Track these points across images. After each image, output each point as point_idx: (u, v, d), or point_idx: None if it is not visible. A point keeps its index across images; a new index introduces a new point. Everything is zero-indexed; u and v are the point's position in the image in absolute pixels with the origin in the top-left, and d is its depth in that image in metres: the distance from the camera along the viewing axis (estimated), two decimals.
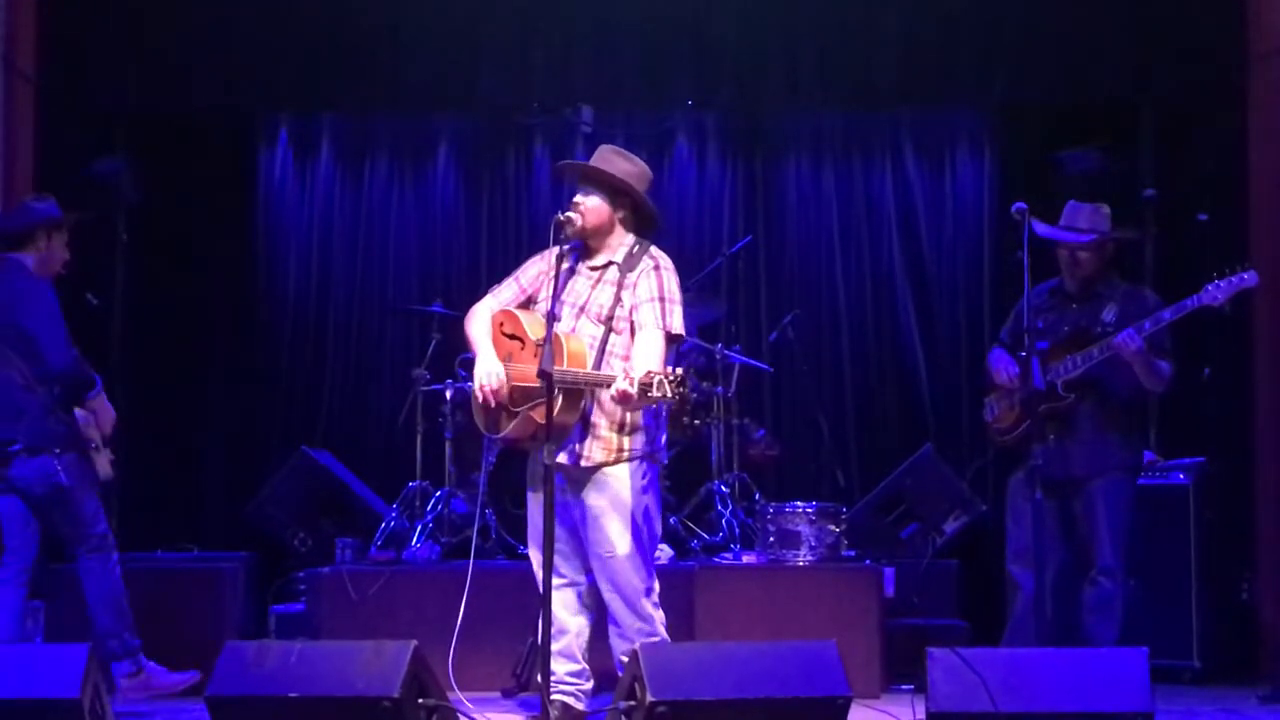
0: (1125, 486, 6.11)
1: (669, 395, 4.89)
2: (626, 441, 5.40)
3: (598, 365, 5.33)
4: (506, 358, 5.42)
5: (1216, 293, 5.86)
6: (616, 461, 5.39)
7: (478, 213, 9.32)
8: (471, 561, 5.97)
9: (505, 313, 5.55)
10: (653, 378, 4.91)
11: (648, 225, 5.65)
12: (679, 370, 4.93)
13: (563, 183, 6.07)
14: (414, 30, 8.02)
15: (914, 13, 7.94)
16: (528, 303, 5.60)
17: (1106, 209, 6.24)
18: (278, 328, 9.20)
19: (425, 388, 7.77)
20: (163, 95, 8.03)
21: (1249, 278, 5.86)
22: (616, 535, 5.36)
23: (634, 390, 4.95)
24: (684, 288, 5.59)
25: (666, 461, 7.20)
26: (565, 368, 5.17)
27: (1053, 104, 8.30)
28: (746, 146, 9.31)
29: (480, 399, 5.38)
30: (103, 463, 6.23)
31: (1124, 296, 6.20)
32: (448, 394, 7.58)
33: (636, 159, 5.63)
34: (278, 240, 9.30)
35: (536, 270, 5.63)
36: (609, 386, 5.10)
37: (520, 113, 8.74)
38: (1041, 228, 6.07)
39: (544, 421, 5.16)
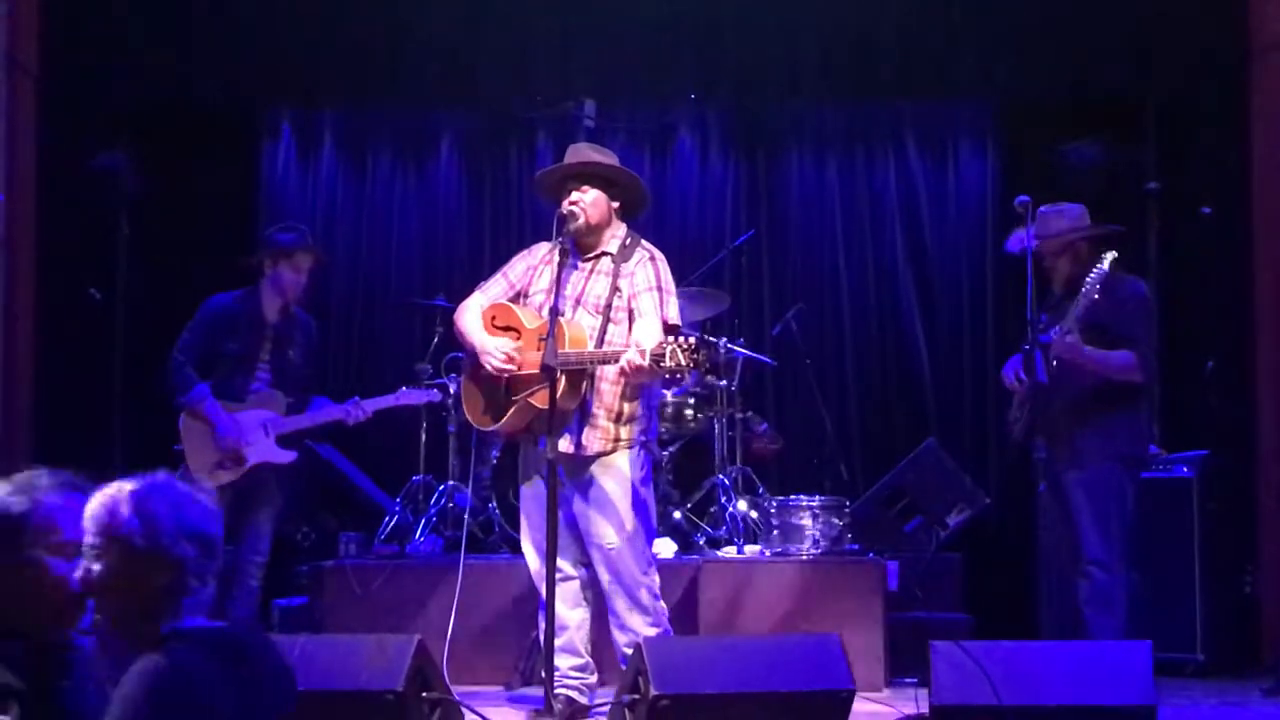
0: (1107, 475, 6.00)
1: (683, 362, 4.88)
2: (624, 431, 5.43)
3: None
4: None
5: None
6: (614, 450, 5.41)
7: (480, 207, 9.31)
8: (463, 557, 5.99)
9: (496, 306, 5.57)
10: (665, 347, 4.91)
11: (638, 209, 5.69)
12: (691, 339, 4.93)
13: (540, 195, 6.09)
14: (416, 24, 8.03)
15: (917, 6, 7.94)
16: (517, 298, 5.62)
17: (1074, 209, 6.21)
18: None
19: (429, 382, 7.77)
20: (165, 89, 8.04)
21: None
22: (615, 525, 5.38)
23: (644, 362, 4.96)
24: (687, 282, 5.62)
25: (664, 456, 7.25)
26: (568, 350, 5.18)
27: (1056, 96, 8.29)
28: (749, 140, 9.29)
29: (493, 370, 5.38)
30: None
31: (1103, 290, 6.17)
32: (451, 388, 7.58)
33: (606, 150, 5.71)
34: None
35: (524, 265, 5.66)
36: (615, 362, 5.12)
37: (522, 107, 8.73)
38: (1012, 241, 6.11)
39: (542, 408, 5.17)
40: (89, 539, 2.93)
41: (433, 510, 7.52)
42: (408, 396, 6.84)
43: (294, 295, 6.76)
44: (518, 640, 6.50)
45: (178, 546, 2.91)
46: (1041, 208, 6.18)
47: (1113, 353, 5.98)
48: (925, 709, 5.17)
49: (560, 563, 5.38)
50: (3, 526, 3.06)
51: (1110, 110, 8.37)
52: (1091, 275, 5.86)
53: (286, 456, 6.63)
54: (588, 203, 5.48)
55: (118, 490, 2.96)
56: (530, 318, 5.47)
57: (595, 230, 5.51)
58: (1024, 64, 7.95)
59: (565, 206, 5.46)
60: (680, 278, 5.72)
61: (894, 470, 8.05)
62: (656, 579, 5.52)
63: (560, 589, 5.38)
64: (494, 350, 5.40)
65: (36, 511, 3.07)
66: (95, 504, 2.96)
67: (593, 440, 5.38)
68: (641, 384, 5.39)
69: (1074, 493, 6.01)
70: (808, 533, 6.81)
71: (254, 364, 6.67)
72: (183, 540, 2.92)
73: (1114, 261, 6.09)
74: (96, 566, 2.92)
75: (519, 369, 5.37)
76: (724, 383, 7.71)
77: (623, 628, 5.45)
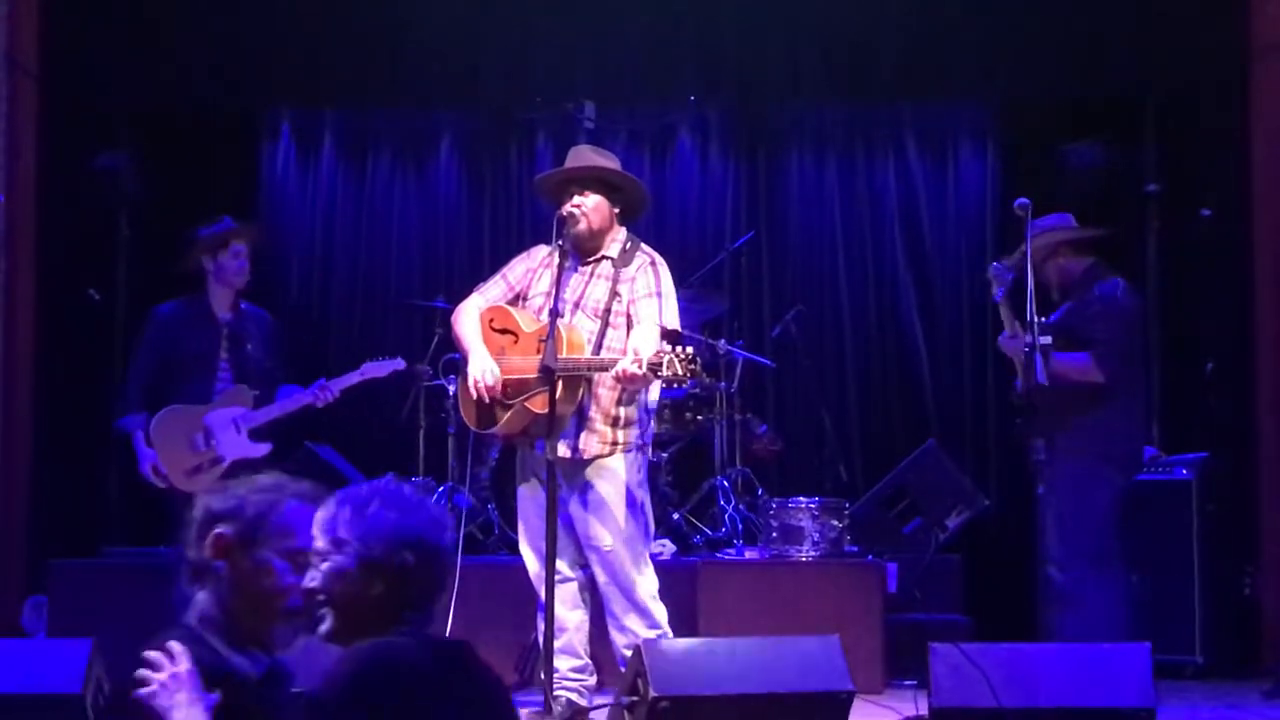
0: (1073, 472, 6.01)
1: (680, 373, 4.89)
2: (621, 435, 5.42)
3: None
4: (499, 352, 5.44)
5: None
6: (611, 454, 5.41)
7: (480, 208, 9.31)
8: (460, 559, 5.98)
9: (495, 308, 5.57)
10: (662, 356, 4.92)
11: (638, 212, 5.70)
12: (689, 349, 4.94)
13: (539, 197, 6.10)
14: (416, 24, 8.03)
15: (917, 7, 7.94)
16: (515, 300, 5.62)
17: (1052, 218, 6.26)
18: (279, 323, 9.17)
19: (428, 383, 7.77)
20: (165, 90, 8.03)
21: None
22: (612, 527, 5.38)
23: (640, 371, 4.96)
24: (686, 283, 5.62)
25: (662, 458, 7.24)
26: (566, 355, 5.19)
27: (1056, 98, 8.29)
28: (749, 141, 9.29)
29: (475, 396, 5.38)
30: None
31: (1080, 296, 6.21)
32: (450, 389, 7.58)
33: (608, 153, 5.69)
34: (280, 235, 9.27)
35: (524, 268, 5.65)
36: (611, 369, 5.12)
37: (522, 108, 8.73)
38: (996, 268, 6.19)
39: (539, 413, 5.18)
40: (315, 543, 2.87)
41: None
42: (372, 370, 6.80)
43: (242, 282, 6.75)
44: (517, 642, 6.49)
45: (397, 555, 2.81)
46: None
47: (1067, 355, 6.01)
48: (924, 711, 5.17)
49: (559, 564, 5.37)
50: (241, 524, 3.03)
51: (1110, 112, 8.38)
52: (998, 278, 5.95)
53: (260, 450, 6.63)
54: (589, 207, 5.47)
55: (344, 494, 2.90)
56: (528, 321, 5.46)
57: (596, 235, 5.51)
58: (1024, 65, 7.95)
59: (566, 209, 5.45)
60: (680, 279, 5.71)
61: (893, 472, 8.04)
62: (655, 581, 5.52)
63: (559, 591, 5.38)
64: (485, 374, 5.38)
65: (276, 514, 3.03)
66: (323, 508, 2.90)
67: (590, 444, 5.38)
68: (639, 389, 5.39)
69: (1046, 491, 6.02)
70: (807, 534, 6.81)
71: (214, 363, 6.67)
72: (403, 549, 2.81)
73: (1093, 265, 6.12)
74: (321, 571, 2.85)
75: (505, 392, 5.36)
76: (723, 384, 7.71)
77: (621, 629, 5.44)
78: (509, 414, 5.36)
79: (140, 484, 6.59)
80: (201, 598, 3.08)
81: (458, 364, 6.16)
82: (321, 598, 2.86)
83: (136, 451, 6.53)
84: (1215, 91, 7.72)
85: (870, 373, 9.08)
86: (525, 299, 5.61)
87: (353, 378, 6.75)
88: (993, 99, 8.78)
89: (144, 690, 2.84)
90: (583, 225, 5.45)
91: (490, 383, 5.36)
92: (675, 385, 5.08)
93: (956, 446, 8.44)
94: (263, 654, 3.07)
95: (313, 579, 2.87)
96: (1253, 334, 7.39)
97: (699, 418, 7.71)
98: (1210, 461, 7.25)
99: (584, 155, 5.62)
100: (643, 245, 5.58)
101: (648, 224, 8.39)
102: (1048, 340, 5.92)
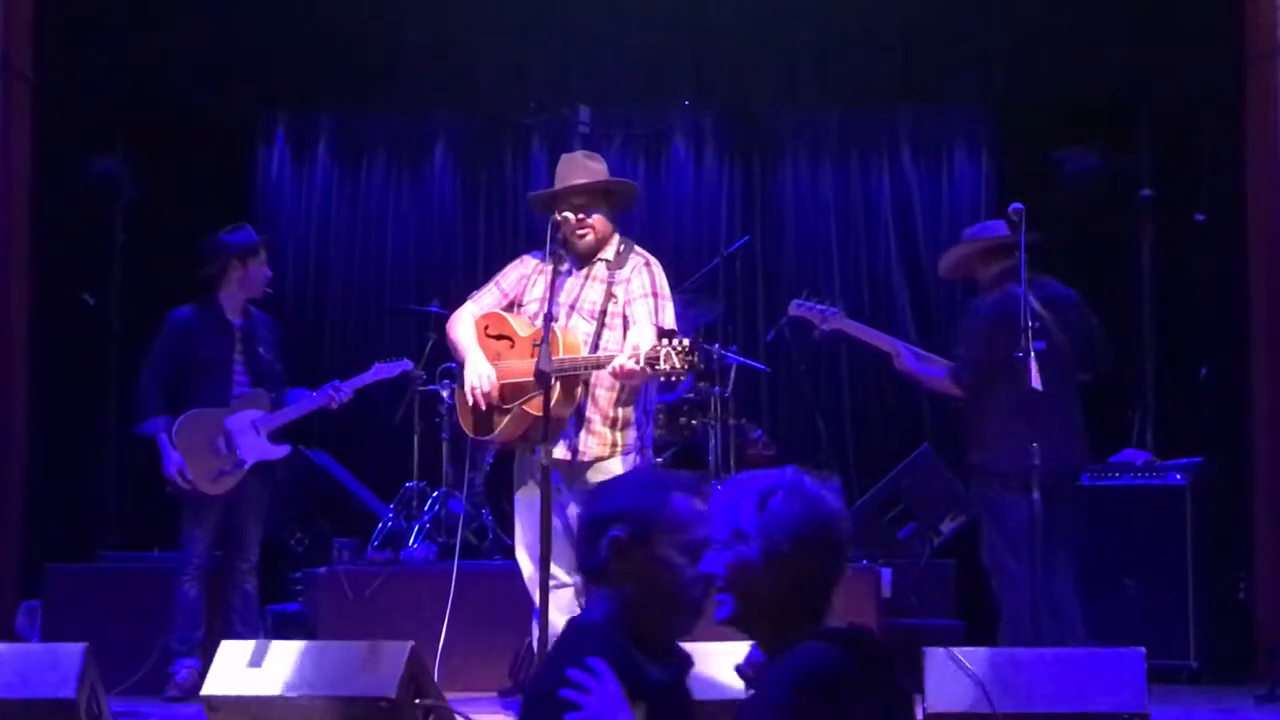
0: (976, 484, 6.17)
1: (678, 365, 4.88)
2: (620, 436, 5.42)
3: None
4: (495, 357, 5.44)
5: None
6: (611, 456, 5.40)
7: (475, 212, 9.31)
8: (456, 563, 5.97)
9: (489, 315, 5.56)
10: (659, 350, 4.90)
11: (629, 207, 5.72)
12: (686, 340, 4.93)
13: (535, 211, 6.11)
14: (411, 29, 8.03)
15: (912, 12, 7.95)
16: (509, 307, 5.61)
17: (982, 228, 6.32)
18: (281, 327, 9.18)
19: (422, 388, 7.76)
20: (160, 94, 8.03)
21: None
22: None
23: (638, 366, 4.95)
24: (681, 288, 5.61)
25: (658, 463, 7.22)
26: (562, 356, 5.18)
27: (1050, 103, 8.30)
28: (744, 146, 9.30)
29: (471, 402, 5.38)
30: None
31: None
32: (444, 394, 7.57)
33: (596, 155, 5.71)
34: (275, 239, 9.25)
35: (517, 274, 5.65)
36: (606, 367, 5.11)
37: (517, 112, 8.73)
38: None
39: (537, 416, 5.17)
40: (718, 538, 2.82)
41: (426, 516, 7.51)
42: (382, 371, 6.96)
43: (262, 291, 6.86)
44: (512, 647, 6.48)
45: (802, 551, 2.76)
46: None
47: (928, 369, 6.11)
48: (919, 716, 5.16)
49: (554, 569, 5.36)
50: (633, 523, 2.98)
51: (1105, 117, 8.38)
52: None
53: (280, 452, 6.74)
54: (593, 221, 5.48)
55: (742, 483, 2.86)
56: (523, 326, 5.46)
57: (600, 244, 5.52)
58: (1019, 71, 7.96)
59: (560, 216, 5.45)
60: (674, 283, 5.71)
61: (888, 477, 8.05)
62: None
63: (554, 595, 5.36)
64: (481, 379, 5.37)
65: (665, 509, 2.98)
66: (723, 501, 2.85)
67: (590, 446, 5.38)
68: (637, 389, 5.38)
69: None
70: None
71: (229, 367, 6.74)
72: (809, 544, 2.77)
73: (1001, 273, 6.06)
74: (721, 560, 2.81)
75: (502, 396, 5.35)
76: (717, 389, 7.71)
77: None
78: (506, 420, 5.35)
79: (164, 485, 6.65)
80: (603, 603, 3.02)
81: (454, 372, 6.15)
82: (720, 584, 2.82)
83: (163, 454, 6.58)
84: (1210, 97, 7.74)
85: (865, 377, 9.08)
86: (520, 305, 5.60)
87: (365, 378, 6.88)
88: (988, 104, 8.79)
89: (575, 714, 2.77)
90: (590, 238, 5.47)
91: (486, 388, 5.35)
92: (674, 379, 5.06)
93: (951, 452, 8.44)
94: (669, 657, 3.04)
95: (710, 565, 2.83)
96: (1247, 339, 7.40)
97: (693, 422, 7.70)
98: (1204, 466, 7.25)
99: (579, 166, 5.59)
100: (636, 247, 5.58)
101: (642, 228, 8.41)
102: (1042, 345, 5.93)
